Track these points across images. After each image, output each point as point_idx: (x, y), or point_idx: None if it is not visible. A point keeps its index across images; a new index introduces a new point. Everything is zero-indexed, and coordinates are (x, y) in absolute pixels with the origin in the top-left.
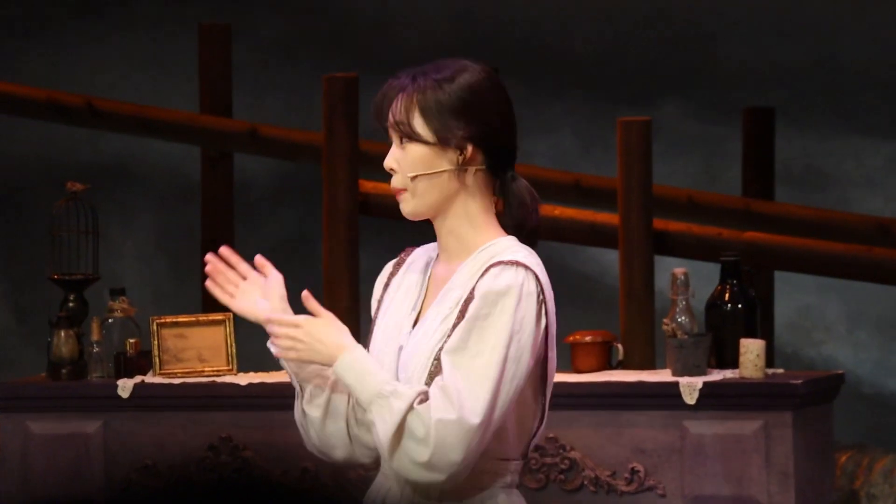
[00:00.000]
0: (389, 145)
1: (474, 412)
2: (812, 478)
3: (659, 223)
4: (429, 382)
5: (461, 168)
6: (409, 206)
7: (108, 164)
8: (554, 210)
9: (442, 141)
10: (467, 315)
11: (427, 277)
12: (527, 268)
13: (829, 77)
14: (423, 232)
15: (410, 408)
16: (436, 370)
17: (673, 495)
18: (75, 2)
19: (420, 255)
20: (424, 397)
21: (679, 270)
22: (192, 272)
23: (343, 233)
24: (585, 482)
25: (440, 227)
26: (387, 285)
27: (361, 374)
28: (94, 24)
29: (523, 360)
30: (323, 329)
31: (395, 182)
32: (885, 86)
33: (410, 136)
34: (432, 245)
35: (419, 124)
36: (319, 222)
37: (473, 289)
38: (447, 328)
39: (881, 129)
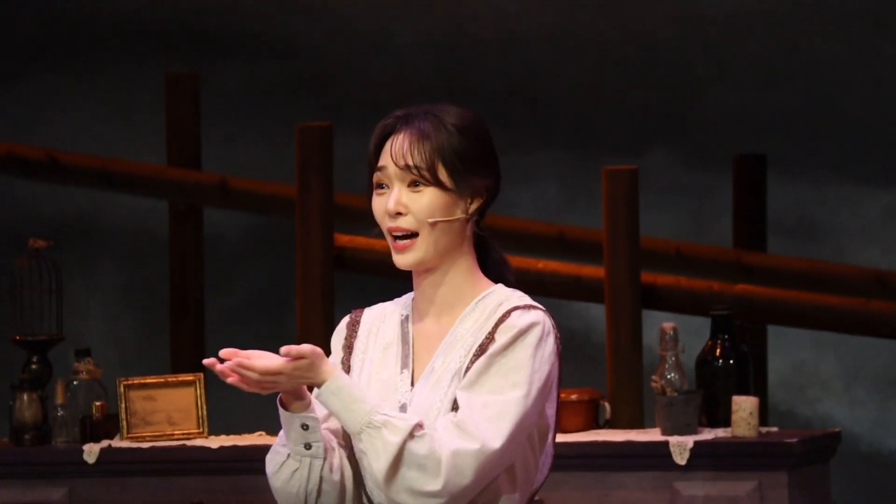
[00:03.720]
0: (380, 188)
1: (495, 439)
2: None
3: (647, 276)
4: None
5: (469, 217)
6: (418, 254)
7: (72, 219)
8: (537, 263)
9: (460, 189)
10: (486, 352)
11: (409, 335)
12: (545, 311)
13: (822, 124)
14: (401, 288)
15: (409, 438)
16: None
17: None
18: (36, 52)
19: (379, 316)
20: (420, 428)
21: (668, 325)
22: (161, 331)
23: (317, 288)
24: None
25: (434, 279)
26: (349, 348)
27: (348, 400)
28: (57, 74)
29: (541, 398)
30: (308, 366)
31: (406, 224)
32: (880, 132)
33: (430, 181)
34: (383, 306)
35: (441, 170)
36: (293, 277)
37: (492, 333)
38: (461, 373)
39: (877, 178)
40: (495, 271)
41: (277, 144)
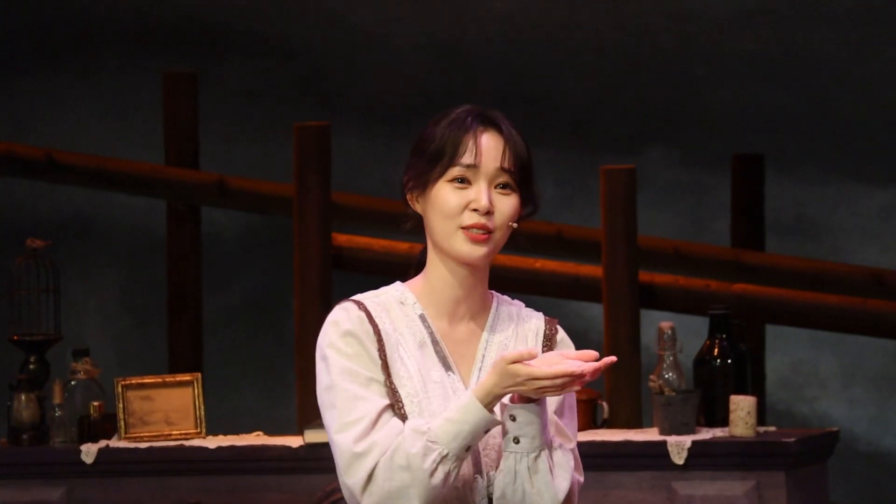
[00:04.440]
0: (461, 182)
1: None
2: None
3: (645, 275)
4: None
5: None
6: (489, 249)
7: (70, 219)
8: (535, 263)
9: (528, 198)
10: None
11: (435, 334)
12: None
13: (821, 123)
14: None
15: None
16: None
17: None
18: (34, 51)
19: (381, 309)
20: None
21: (666, 324)
22: (159, 331)
23: (315, 287)
24: None
25: (472, 281)
26: (379, 339)
27: (548, 420)
28: (55, 73)
29: None
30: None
31: (491, 223)
32: (878, 132)
33: (517, 187)
34: (373, 298)
35: (523, 176)
36: (290, 276)
37: (548, 346)
38: None
39: (875, 176)
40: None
41: (275, 144)
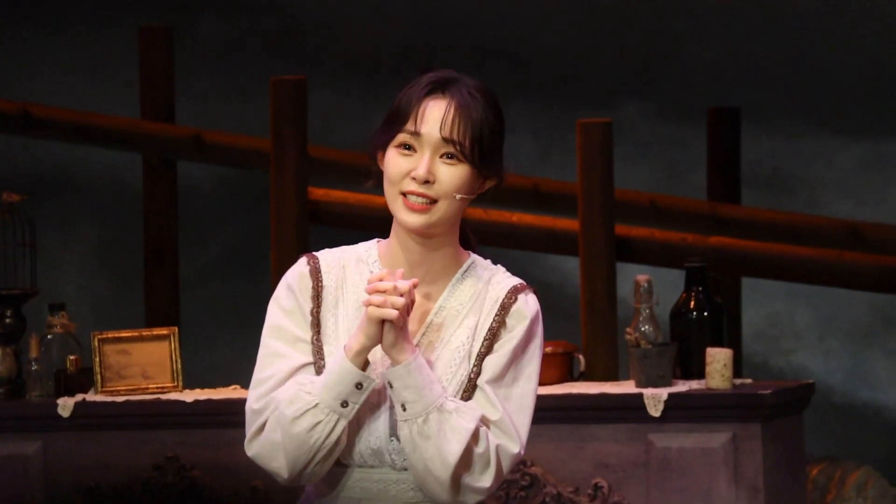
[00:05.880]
0: (406, 149)
1: (523, 435)
2: (782, 492)
3: (621, 229)
4: None
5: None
6: (432, 219)
7: (46, 173)
8: (512, 216)
9: (485, 169)
10: (511, 345)
11: None
12: (535, 290)
13: (797, 76)
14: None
15: (476, 431)
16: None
17: None
18: (8, 5)
19: (337, 265)
20: (482, 422)
21: (642, 277)
22: (135, 285)
23: (292, 242)
24: (547, 499)
25: (428, 246)
26: (317, 298)
27: (426, 381)
28: (30, 28)
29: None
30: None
31: (431, 193)
32: (854, 85)
33: (465, 158)
34: (337, 254)
35: (476, 149)
36: (267, 231)
37: (500, 316)
38: (472, 357)
39: (851, 130)
40: (464, 238)
41: (252, 98)
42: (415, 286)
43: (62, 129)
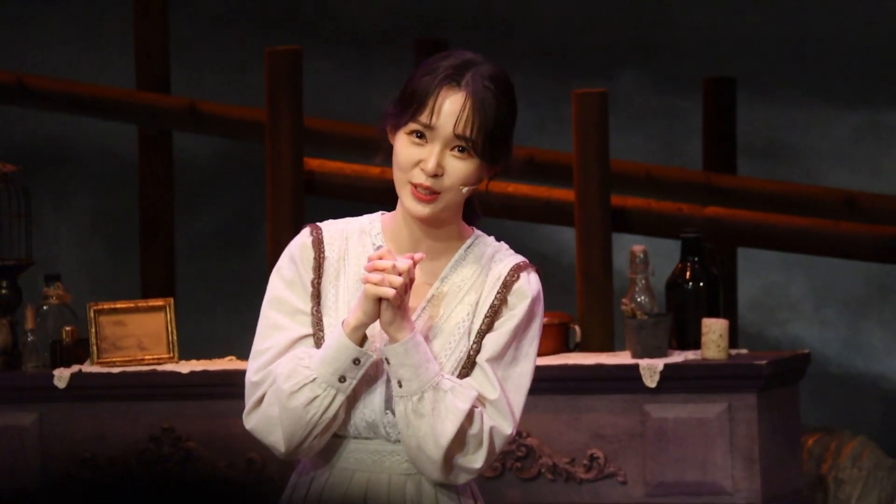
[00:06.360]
0: (418, 137)
1: (517, 415)
2: (778, 462)
3: (617, 199)
4: None
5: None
6: (437, 208)
7: (41, 144)
8: (507, 187)
9: (493, 161)
10: (512, 323)
11: None
12: (538, 269)
13: (793, 46)
14: (371, 211)
15: (471, 411)
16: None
17: (634, 482)
18: None
19: (340, 237)
20: (477, 402)
21: (638, 248)
22: (131, 256)
23: (288, 213)
24: (543, 470)
25: (432, 224)
26: (318, 269)
27: (423, 359)
28: None
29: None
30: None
31: (438, 186)
32: (850, 55)
33: (477, 154)
34: (342, 225)
35: (484, 142)
36: (263, 202)
37: (502, 294)
38: (472, 334)
39: (847, 99)
40: (469, 214)
41: (247, 69)
42: (418, 261)
43: (57, 100)
